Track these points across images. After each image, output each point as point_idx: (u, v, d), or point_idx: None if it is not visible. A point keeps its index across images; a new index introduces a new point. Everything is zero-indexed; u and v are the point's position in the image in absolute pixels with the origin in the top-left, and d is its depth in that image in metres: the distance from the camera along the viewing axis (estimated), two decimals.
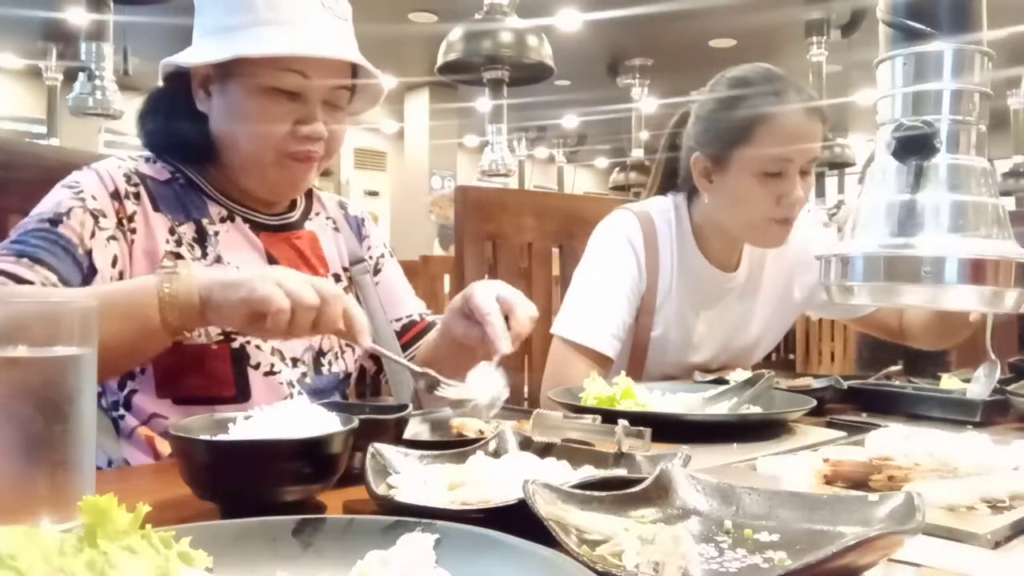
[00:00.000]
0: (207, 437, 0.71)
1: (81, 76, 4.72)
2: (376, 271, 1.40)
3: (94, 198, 1.09)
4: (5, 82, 8.78)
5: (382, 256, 1.42)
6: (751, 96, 1.49)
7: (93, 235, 1.07)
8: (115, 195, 1.11)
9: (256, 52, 1.10)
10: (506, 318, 1.06)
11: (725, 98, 1.53)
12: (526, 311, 1.08)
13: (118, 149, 6.33)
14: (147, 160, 1.20)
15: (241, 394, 1.13)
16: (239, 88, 1.13)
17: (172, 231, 1.14)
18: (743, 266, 1.68)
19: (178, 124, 1.18)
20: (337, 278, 1.30)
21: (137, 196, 1.13)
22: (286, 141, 1.14)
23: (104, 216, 1.09)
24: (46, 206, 1.08)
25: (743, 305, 1.69)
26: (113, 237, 1.09)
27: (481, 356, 1.06)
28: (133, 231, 1.11)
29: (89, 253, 1.06)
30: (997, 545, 0.63)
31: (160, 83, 1.21)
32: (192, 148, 1.19)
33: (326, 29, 1.15)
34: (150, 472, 1.04)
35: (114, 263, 1.08)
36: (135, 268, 1.11)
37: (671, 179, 1.71)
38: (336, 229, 1.35)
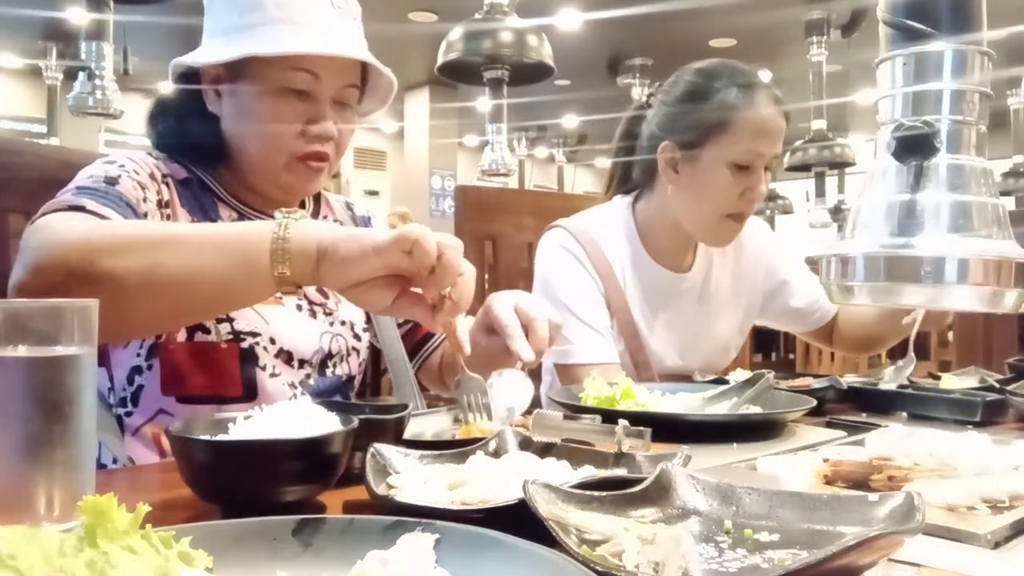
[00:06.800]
0: (207, 437, 0.71)
1: (81, 75, 4.71)
2: None
3: (137, 172, 1.10)
4: (5, 82, 8.77)
5: None
6: (727, 87, 1.49)
7: (145, 200, 1.08)
8: (152, 177, 1.12)
9: (267, 51, 1.10)
10: (526, 331, 1.04)
11: (699, 87, 1.53)
12: (545, 323, 1.06)
13: (118, 149, 6.32)
14: (163, 160, 1.20)
15: (247, 394, 1.12)
16: (249, 88, 1.14)
17: None
18: (698, 268, 1.65)
19: (189, 125, 1.18)
20: None
21: (167, 186, 1.14)
22: (297, 142, 1.14)
23: (147, 190, 1.09)
24: (94, 171, 1.07)
25: (702, 307, 1.66)
26: (155, 213, 1.09)
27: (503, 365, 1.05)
28: (168, 217, 1.12)
29: (145, 216, 1.06)
30: (997, 545, 0.63)
31: (168, 83, 1.21)
32: (203, 149, 1.19)
33: (336, 28, 1.15)
34: (151, 472, 1.04)
35: None
36: None
37: (627, 175, 1.68)
38: None
